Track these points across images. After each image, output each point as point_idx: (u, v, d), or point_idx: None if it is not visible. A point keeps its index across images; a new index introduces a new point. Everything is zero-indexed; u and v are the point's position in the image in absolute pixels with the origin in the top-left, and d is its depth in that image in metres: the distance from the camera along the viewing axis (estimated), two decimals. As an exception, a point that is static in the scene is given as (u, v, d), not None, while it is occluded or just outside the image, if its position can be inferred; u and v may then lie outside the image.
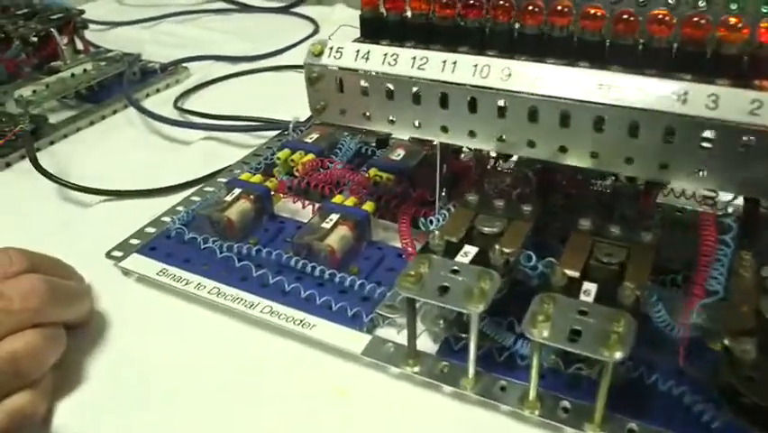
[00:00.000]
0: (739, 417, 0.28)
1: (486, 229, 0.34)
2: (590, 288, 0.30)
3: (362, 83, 0.35)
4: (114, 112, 0.63)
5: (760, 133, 0.27)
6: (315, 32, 0.81)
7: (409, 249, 0.38)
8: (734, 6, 0.31)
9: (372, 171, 0.45)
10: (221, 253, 0.40)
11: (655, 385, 0.30)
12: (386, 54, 0.34)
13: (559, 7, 0.32)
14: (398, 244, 0.40)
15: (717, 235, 0.29)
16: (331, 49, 0.35)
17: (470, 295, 0.29)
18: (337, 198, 0.42)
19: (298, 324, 0.36)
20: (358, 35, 0.37)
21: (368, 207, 0.41)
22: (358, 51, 0.34)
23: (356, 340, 0.35)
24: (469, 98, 0.32)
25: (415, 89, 0.33)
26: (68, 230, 0.47)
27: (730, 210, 0.31)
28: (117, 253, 0.42)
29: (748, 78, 0.29)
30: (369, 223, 0.41)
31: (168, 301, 0.39)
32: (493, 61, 0.31)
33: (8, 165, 0.55)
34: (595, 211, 0.36)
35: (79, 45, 0.71)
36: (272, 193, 0.44)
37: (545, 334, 0.27)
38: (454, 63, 0.32)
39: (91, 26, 0.81)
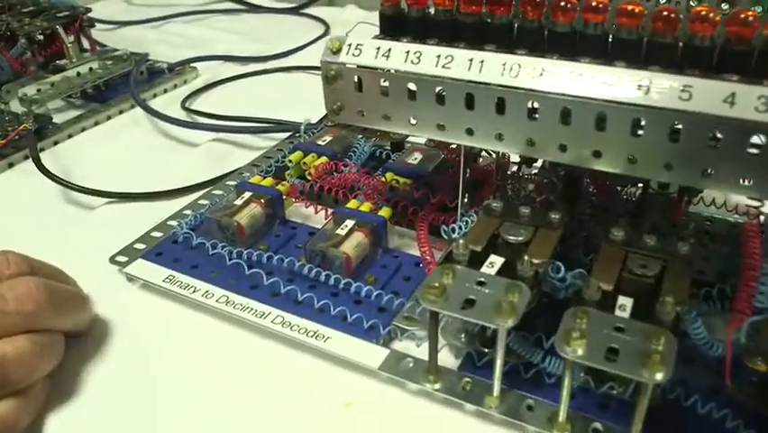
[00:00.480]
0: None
1: (511, 238, 0.32)
2: (626, 302, 0.28)
3: (383, 82, 0.33)
4: (121, 112, 0.62)
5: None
6: (326, 32, 0.79)
7: (428, 257, 0.36)
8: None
9: (389, 176, 0.43)
10: (230, 259, 0.38)
11: (694, 407, 0.28)
12: (408, 52, 0.32)
13: (594, 3, 0.30)
14: (415, 252, 0.38)
15: (763, 247, 0.27)
16: (350, 46, 0.33)
17: (498, 309, 0.27)
18: (352, 204, 0.40)
19: (312, 336, 0.34)
20: (375, 34, 0.36)
21: (384, 212, 0.39)
22: (378, 49, 0.33)
23: (372, 354, 0.33)
24: (496, 99, 0.30)
25: (438, 89, 0.31)
26: (71, 233, 0.45)
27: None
28: (122, 258, 0.40)
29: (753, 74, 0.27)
30: (385, 230, 0.39)
31: (174, 309, 0.38)
32: (523, 60, 0.29)
33: (11, 165, 0.53)
34: (626, 220, 0.34)
35: (86, 44, 0.70)
36: (284, 197, 0.42)
37: (580, 352, 0.25)
38: (482, 62, 0.30)
39: (98, 25, 0.79)
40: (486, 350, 0.31)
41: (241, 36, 0.81)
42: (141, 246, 0.41)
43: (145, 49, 0.73)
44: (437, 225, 0.38)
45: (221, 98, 0.64)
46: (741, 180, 0.27)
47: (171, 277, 0.38)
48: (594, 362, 0.25)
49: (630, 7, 0.29)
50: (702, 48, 0.28)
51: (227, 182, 0.47)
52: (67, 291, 0.34)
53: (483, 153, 0.41)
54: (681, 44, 0.29)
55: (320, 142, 0.48)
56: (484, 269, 0.30)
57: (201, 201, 0.46)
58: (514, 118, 0.30)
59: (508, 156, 0.40)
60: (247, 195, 0.41)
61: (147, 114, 0.58)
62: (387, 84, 0.33)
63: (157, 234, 0.42)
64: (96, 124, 0.60)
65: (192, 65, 0.69)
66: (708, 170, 0.27)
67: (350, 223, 0.38)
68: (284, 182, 0.44)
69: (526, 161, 0.38)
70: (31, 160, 0.51)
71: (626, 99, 0.28)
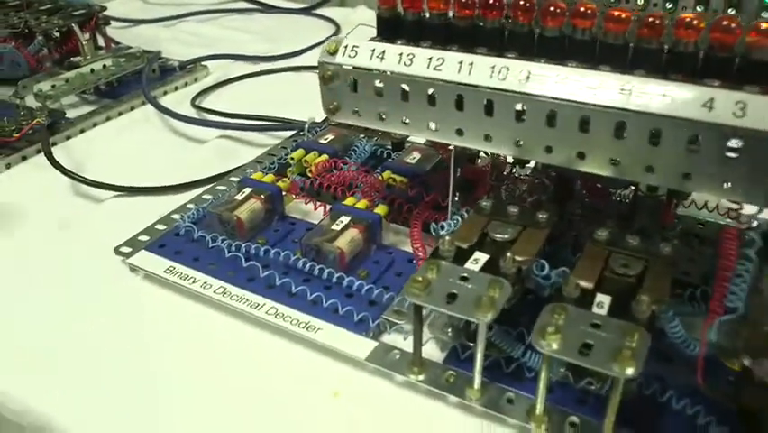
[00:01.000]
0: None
1: (498, 236, 0.33)
2: (604, 300, 0.29)
3: (377, 83, 0.34)
4: (132, 108, 0.63)
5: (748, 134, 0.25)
6: (336, 33, 0.81)
7: (420, 254, 0.37)
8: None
9: (386, 174, 0.44)
10: (229, 252, 0.39)
11: (669, 403, 0.29)
12: (402, 54, 0.33)
13: (582, 9, 0.31)
14: (409, 249, 0.39)
15: (739, 250, 0.28)
16: (346, 47, 0.34)
17: (478, 303, 0.28)
18: (349, 201, 0.41)
19: (303, 327, 0.35)
20: (372, 36, 0.37)
21: (380, 210, 0.40)
22: (373, 51, 0.34)
23: (361, 345, 0.34)
24: (485, 101, 0.31)
25: (430, 91, 0.32)
26: (79, 224, 0.47)
27: (755, 224, 0.29)
28: (126, 249, 0.42)
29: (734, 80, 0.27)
30: (380, 226, 0.40)
31: (174, 299, 0.39)
32: (511, 63, 0.30)
33: (24, 159, 0.55)
34: (614, 221, 0.35)
35: (101, 41, 0.72)
36: (284, 193, 0.44)
37: (555, 346, 0.26)
38: (471, 64, 0.31)
39: (114, 23, 0.81)
40: (470, 344, 0.32)
41: (253, 35, 0.82)
42: (145, 238, 0.43)
43: (159, 47, 0.74)
44: (431, 223, 0.39)
45: (230, 96, 0.66)
46: (722, 184, 0.28)
47: (172, 268, 0.40)
48: (568, 356, 0.26)
49: (617, 13, 0.30)
50: (686, 54, 0.29)
51: (231, 178, 0.49)
52: None
53: (482, 154, 0.42)
54: (665, 49, 0.29)
55: (322, 141, 0.49)
56: (468, 265, 0.31)
57: (205, 196, 0.47)
58: (502, 120, 0.31)
59: (505, 157, 0.41)
60: (248, 190, 0.42)
61: (157, 110, 0.60)
62: (381, 85, 0.34)
63: (161, 226, 0.44)
64: (108, 119, 0.61)
65: (203, 63, 0.71)
66: (689, 174, 0.28)
67: (345, 219, 0.39)
68: (284, 179, 0.45)
69: (520, 162, 0.39)
70: (43, 153, 0.52)
71: (610, 103, 0.28)
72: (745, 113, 0.26)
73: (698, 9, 0.45)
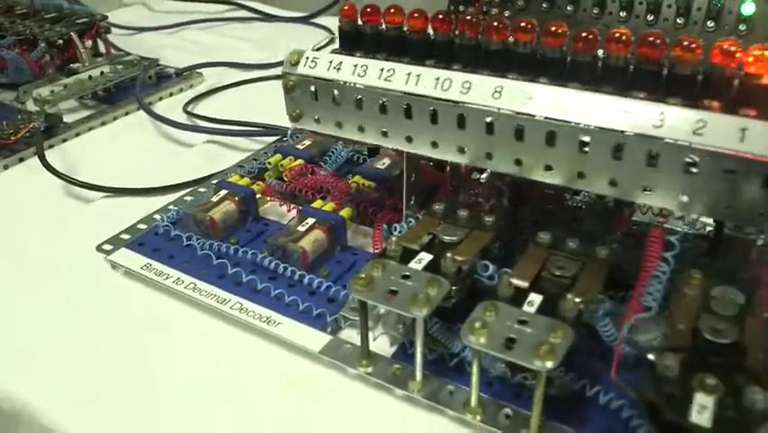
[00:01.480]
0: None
1: (446, 238, 0.35)
2: (535, 299, 0.30)
3: (335, 92, 0.36)
4: (127, 113, 0.66)
5: (703, 154, 0.27)
6: (331, 42, 0.82)
7: (379, 255, 0.39)
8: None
9: (357, 179, 0.46)
10: (201, 250, 0.42)
11: (596, 397, 0.30)
12: (356, 65, 0.35)
13: (523, 24, 0.32)
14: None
15: (661, 253, 0.29)
16: (307, 59, 0.37)
17: (415, 300, 0.30)
18: (317, 203, 0.43)
19: (264, 321, 0.37)
20: (334, 48, 0.39)
21: (345, 213, 0.42)
22: (331, 62, 0.36)
23: (316, 339, 0.36)
24: (431, 110, 0.33)
25: (382, 100, 0.34)
26: (68, 223, 0.49)
27: (679, 228, 0.31)
28: (107, 247, 0.44)
29: (697, 98, 0.29)
30: (344, 228, 0.42)
31: (149, 295, 0.41)
32: (454, 75, 0.32)
33: (21, 160, 0.57)
34: (565, 225, 0.36)
35: (102, 48, 0.74)
36: (259, 196, 0.46)
37: (482, 340, 0.28)
38: (418, 76, 0.33)
39: (118, 30, 0.84)
40: (419, 340, 0.34)
41: (251, 44, 0.85)
42: (126, 237, 0.45)
43: (160, 54, 0.77)
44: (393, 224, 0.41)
45: (222, 103, 0.68)
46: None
47: (148, 265, 0.42)
48: (493, 350, 0.28)
49: (554, 28, 0.32)
50: (617, 67, 0.31)
51: (213, 181, 0.51)
52: None
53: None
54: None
55: (299, 146, 0.51)
56: (412, 264, 0.33)
57: (186, 198, 0.49)
58: (446, 127, 0.33)
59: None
60: (223, 193, 0.45)
61: (149, 116, 0.62)
62: (338, 94, 0.36)
63: (142, 226, 0.46)
64: (103, 124, 0.64)
65: (198, 71, 0.73)
66: (648, 187, 0.29)
67: (311, 221, 0.41)
68: (259, 182, 0.47)
69: (478, 168, 0.41)
70: (37, 156, 0.55)
71: (544, 113, 0.30)
72: (663, 123, 0.28)
73: (678, 21, 0.47)
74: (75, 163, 0.57)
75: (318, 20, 0.91)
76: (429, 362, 0.33)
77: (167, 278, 0.41)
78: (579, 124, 0.29)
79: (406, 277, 0.32)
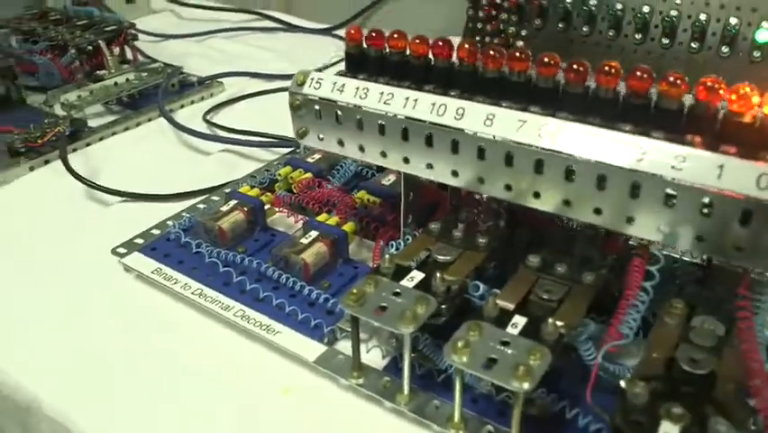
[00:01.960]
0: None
1: (440, 257, 0.36)
2: (520, 321, 0.31)
3: (337, 113, 0.37)
4: (149, 120, 0.68)
5: (682, 188, 0.28)
6: (340, 60, 0.84)
7: (378, 269, 0.41)
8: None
9: (361, 194, 0.47)
10: (209, 258, 0.43)
11: (576, 420, 0.31)
12: (358, 88, 0.36)
13: (517, 54, 0.34)
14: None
15: (642, 282, 0.30)
16: (312, 79, 0.38)
17: (403, 317, 0.31)
18: (321, 217, 0.45)
19: (264, 329, 0.38)
20: (340, 69, 0.40)
21: (348, 227, 0.44)
22: (334, 84, 0.37)
23: (312, 349, 0.37)
24: (426, 134, 0.34)
25: (381, 122, 0.36)
26: (85, 225, 0.51)
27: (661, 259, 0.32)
28: (121, 250, 0.46)
29: (683, 132, 0.30)
30: (346, 242, 0.43)
31: (159, 298, 0.43)
32: (449, 101, 0.34)
33: (46, 162, 0.60)
34: (558, 249, 0.37)
35: (129, 55, 0.77)
36: (267, 207, 0.47)
37: (464, 359, 0.29)
38: (416, 100, 0.34)
39: (145, 37, 0.87)
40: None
41: (274, 54, 0.87)
42: (140, 241, 0.47)
43: (185, 62, 0.80)
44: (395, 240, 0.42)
45: (241, 112, 0.70)
46: (660, 230, 0.30)
47: (159, 270, 0.44)
48: (472, 369, 0.29)
49: (547, 59, 0.33)
50: (606, 98, 0.32)
51: (226, 190, 0.53)
52: None
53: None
54: (589, 94, 0.32)
55: (309, 160, 0.53)
56: (404, 282, 0.34)
57: (199, 205, 0.51)
58: (440, 150, 0.34)
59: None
60: (233, 202, 0.46)
61: (170, 123, 0.65)
62: (340, 114, 0.37)
63: (155, 231, 0.48)
64: (126, 129, 0.66)
65: (219, 80, 0.75)
66: (631, 218, 0.30)
67: (314, 233, 0.43)
68: (268, 193, 0.49)
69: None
70: (74, 157, 0.57)
71: (529, 141, 0.31)
72: (644, 157, 0.29)
73: (692, 46, 0.48)
74: (97, 167, 0.59)
75: (340, 32, 0.93)
76: (418, 376, 0.34)
77: (175, 283, 0.43)
78: (566, 153, 0.30)
79: (396, 294, 0.33)
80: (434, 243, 0.38)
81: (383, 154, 0.36)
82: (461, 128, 0.33)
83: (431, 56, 0.37)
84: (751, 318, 0.29)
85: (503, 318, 0.32)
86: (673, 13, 0.56)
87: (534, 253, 0.36)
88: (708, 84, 0.29)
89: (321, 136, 0.39)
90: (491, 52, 0.34)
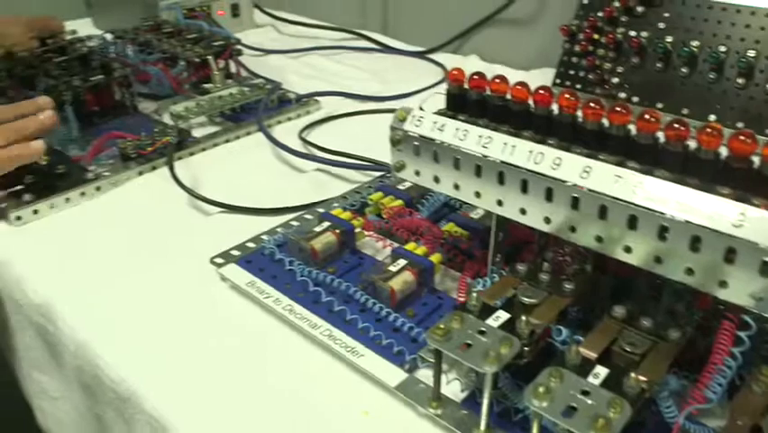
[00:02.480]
0: None
1: (525, 299, 0.37)
2: (601, 371, 0.32)
3: (436, 151, 0.39)
4: (248, 134, 0.72)
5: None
6: (443, 80, 0.86)
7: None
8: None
9: (449, 226, 0.49)
10: (300, 276, 0.46)
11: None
12: (457, 129, 0.38)
13: (617, 108, 0.34)
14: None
15: (731, 346, 0.30)
16: (413, 117, 0.40)
17: (487, 356, 0.32)
18: (410, 246, 0.46)
19: (349, 351, 0.40)
20: (441, 108, 0.42)
21: (435, 258, 0.45)
22: (435, 123, 0.39)
23: (394, 375, 0.39)
24: (522, 179, 0.35)
25: (477, 164, 0.37)
26: (185, 231, 0.55)
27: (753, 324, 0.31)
28: (219, 261, 0.49)
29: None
30: (432, 273, 0.45)
31: (250, 309, 0.46)
32: (547, 150, 0.34)
33: (154, 168, 0.64)
34: (645, 300, 0.38)
35: (233, 68, 0.81)
36: (357, 230, 0.49)
37: (544, 404, 0.30)
38: (513, 147, 0.35)
39: (248, 52, 0.91)
40: (488, 390, 0.37)
41: (368, 74, 0.90)
42: (236, 253, 0.50)
43: (283, 77, 0.83)
44: (482, 276, 0.43)
45: (335, 132, 0.73)
46: (754, 296, 0.29)
47: (253, 282, 0.47)
48: (552, 415, 0.30)
49: (647, 116, 0.34)
50: (705, 160, 0.32)
51: (318, 209, 0.55)
52: None
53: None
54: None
55: (400, 187, 0.54)
56: (489, 321, 0.35)
57: (293, 222, 0.54)
58: (535, 197, 0.35)
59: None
60: (326, 224, 0.49)
61: (267, 139, 0.68)
62: (438, 152, 0.39)
63: (251, 244, 0.51)
64: (227, 141, 0.70)
65: (316, 98, 0.78)
66: (725, 282, 0.30)
67: (402, 262, 0.44)
68: (360, 218, 0.51)
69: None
70: (178, 166, 0.62)
71: (624, 197, 0.32)
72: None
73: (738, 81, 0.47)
74: (198, 176, 0.63)
75: (435, 56, 0.94)
76: (495, 413, 0.35)
77: (267, 297, 0.45)
78: (660, 212, 0.31)
79: (481, 333, 0.34)
80: (520, 283, 0.38)
81: (477, 195, 0.38)
82: (557, 178, 0.34)
83: (531, 102, 0.38)
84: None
85: (585, 367, 0.32)
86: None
87: (620, 302, 0.37)
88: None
89: (418, 171, 0.40)
90: (592, 104, 0.35)
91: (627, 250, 0.33)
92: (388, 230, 0.51)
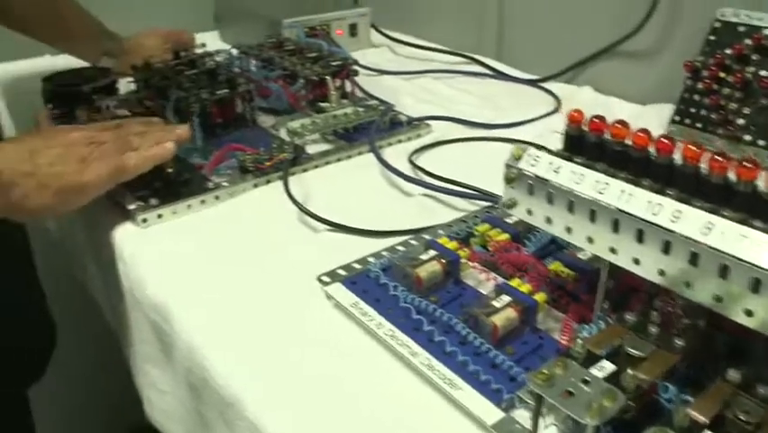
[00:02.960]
0: None
1: (632, 351, 0.36)
2: (711, 437, 0.31)
3: (550, 192, 0.39)
4: (360, 154, 0.74)
5: None
6: (556, 110, 0.85)
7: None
8: None
9: (555, 265, 0.48)
10: (404, 302, 0.47)
11: None
12: (573, 172, 0.38)
13: (745, 162, 0.33)
14: (560, 339, 0.43)
15: None
16: (529, 156, 0.40)
17: (589, 407, 0.32)
18: (515, 282, 0.46)
19: (447, 383, 0.41)
20: (557, 149, 0.42)
21: (539, 297, 0.45)
22: (551, 164, 0.39)
23: (491, 413, 0.39)
24: (638, 229, 0.35)
25: (592, 209, 0.37)
26: (295, 247, 0.57)
27: None
28: (326, 279, 0.51)
29: None
30: (535, 312, 0.44)
31: (352, 329, 0.47)
32: (666, 201, 0.34)
33: (268, 182, 0.67)
34: (762, 364, 0.36)
35: (348, 88, 0.84)
36: (463, 260, 0.50)
37: (649, 464, 0.29)
38: (630, 195, 0.35)
39: (363, 71, 0.94)
40: (586, 440, 0.36)
41: (480, 99, 0.90)
42: (342, 273, 0.51)
43: (396, 98, 0.85)
44: (586, 320, 0.43)
45: (444, 157, 0.73)
46: None
47: (357, 304, 0.48)
48: (655, 477, 0.29)
49: None
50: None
51: (423, 235, 0.56)
52: None
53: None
54: None
55: (508, 220, 0.54)
56: (593, 370, 0.35)
57: (398, 247, 0.55)
58: (650, 248, 0.34)
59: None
60: (432, 253, 0.49)
61: (378, 161, 0.69)
62: (552, 194, 0.39)
63: (357, 266, 0.52)
64: (338, 160, 0.72)
65: (427, 122, 0.79)
66: None
67: (506, 298, 0.44)
68: (466, 249, 0.51)
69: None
70: (281, 182, 0.64)
71: (751, 259, 0.31)
72: None
73: None
74: (309, 193, 0.65)
75: (548, 84, 0.94)
76: (592, 464, 0.35)
77: (371, 320, 0.46)
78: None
79: (585, 382, 0.34)
80: (627, 333, 0.38)
81: (590, 240, 0.37)
82: (676, 231, 0.33)
83: (652, 149, 0.37)
84: None
85: (694, 431, 0.31)
86: None
87: (734, 364, 0.35)
88: None
89: (530, 210, 0.40)
90: (717, 157, 0.34)
91: (749, 313, 0.31)
92: (492, 263, 0.51)
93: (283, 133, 0.74)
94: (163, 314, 0.52)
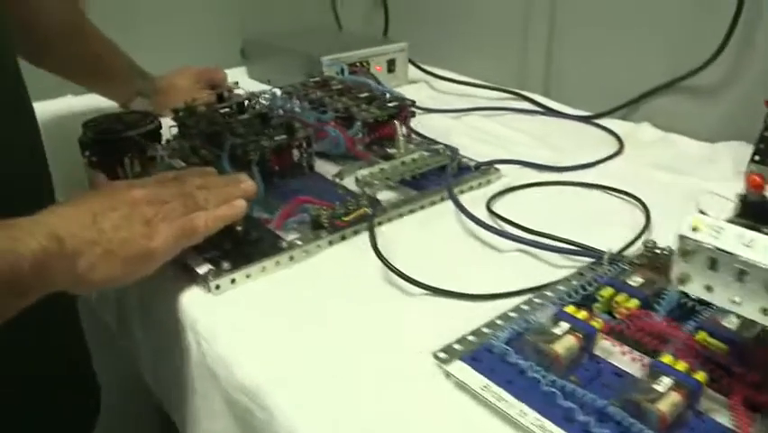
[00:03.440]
0: None
1: None
2: None
3: (741, 269, 0.35)
4: (432, 203, 0.69)
5: None
6: (620, 150, 0.81)
7: (742, 434, 0.37)
8: None
9: (701, 335, 0.44)
10: (546, 385, 0.42)
11: None
12: (772, 248, 0.34)
13: None
14: (725, 421, 0.39)
15: None
16: (709, 226, 0.36)
17: None
18: (666, 358, 0.42)
19: (617, 485, 0.36)
20: (731, 216, 0.38)
21: (699, 376, 0.41)
22: (741, 237, 0.35)
23: None
24: None
25: (802, 291, 0.33)
26: (389, 314, 0.53)
27: None
28: (443, 356, 0.46)
29: None
30: (699, 395, 0.40)
31: (482, 415, 0.42)
32: None
33: (343, 238, 0.62)
34: None
35: (403, 129, 0.79)
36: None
37: None
38: None
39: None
40: None
41: (533, 139, 0.86)
42: (459, 348, 0.47)
43: (450, 139, 0.81)
44: (752, 401, 0.38)
45: (520, 204, 0.69)
46: None
47: (488, 387, 0.43)
48: None
49: None
50: None
51: (534, 299, 0.52)
52: None
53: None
54: None
55: (631, 283, 0.50)
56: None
57: (511, 313, 0.50)
58: None
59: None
60: (565, 326, 0.45)
61: (456, 209, 0.65)
62: (745, 270, 0.35)
63: (472, 338, 0.48)
64: (411, 211, 0.67)
65: (495, 166, 0.75)
66: None
67: (667, 381, 0.40)
68: (598, 319, 0.46)
69: None
70: (366, 236, 0.60)
71: None
72: None
73: None
74: (388, 249, 0.60)
75: (602, 121, 0.90)
76: None
77: (509, 406, 0.41)
78: None
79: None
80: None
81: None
82: None
83: None
84: None
85: None
86: None
87: None
88: None
89: (710, 287, 0.36)
90: None
91: None
92: (620, 331, 0.46)
93: (348, 182, 0.70)
94: (254, 396, 0.47)
